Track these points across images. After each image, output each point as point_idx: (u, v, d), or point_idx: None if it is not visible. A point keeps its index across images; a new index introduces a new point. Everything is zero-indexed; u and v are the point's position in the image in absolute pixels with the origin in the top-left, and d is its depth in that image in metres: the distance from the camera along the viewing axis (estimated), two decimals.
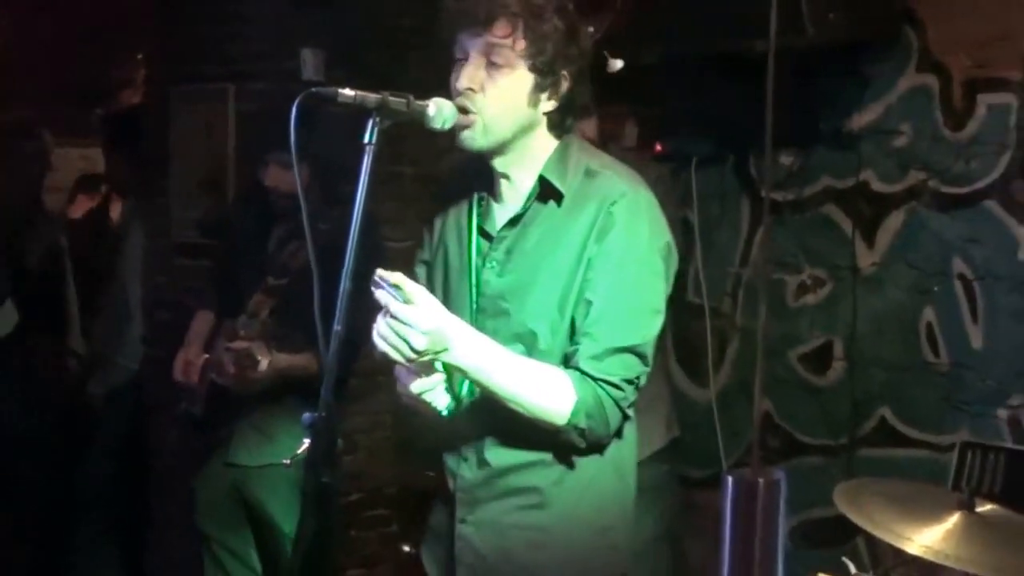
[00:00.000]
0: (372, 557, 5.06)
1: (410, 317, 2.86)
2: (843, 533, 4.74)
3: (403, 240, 4.91)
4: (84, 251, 6.04)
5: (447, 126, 3.00)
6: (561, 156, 3.17)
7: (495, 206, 3.24)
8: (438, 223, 3.36)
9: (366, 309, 2.89)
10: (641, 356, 3.09)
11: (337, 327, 2.83)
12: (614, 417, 3.08)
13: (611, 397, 3.05)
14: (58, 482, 5.84)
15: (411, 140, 3.31)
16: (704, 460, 5.50)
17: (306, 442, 2.81)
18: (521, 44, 3.03)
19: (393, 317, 2.86)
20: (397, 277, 2.89)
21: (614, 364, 3.05)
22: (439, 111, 2.97)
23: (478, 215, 3.24)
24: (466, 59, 3.06)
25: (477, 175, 3.25)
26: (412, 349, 2.87)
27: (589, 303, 3.07)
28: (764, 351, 5.47)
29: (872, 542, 4.75)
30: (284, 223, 4.67)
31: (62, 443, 5.83)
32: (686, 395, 5.79)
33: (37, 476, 5.76)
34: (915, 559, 3.80)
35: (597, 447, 3.14)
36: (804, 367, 5.57)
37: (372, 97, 2.88)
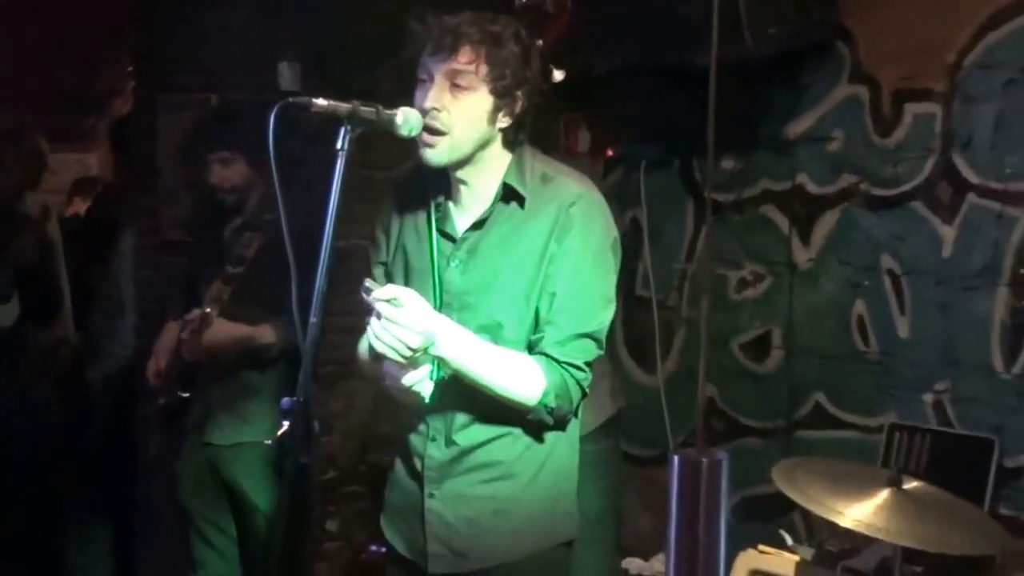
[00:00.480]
0: (348, 531, 5.06)
1: (404, 320, 2.92)
2: (781, 508, 4.76)
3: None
4: (80, 248, 6.03)
5: (414, 133, 3.05)
6: (519, 164, 3.23)
7: (453, 210, 3.28)
8: (394, 228, 3.39)
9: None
10: (598, 341, 3.20)
11: (313, 319, 2.86)
12: (577, 395, 3.18)
13: (574, 378, 3.15)
14: (57, 460, 5.84)
15: (380, 146, 3.31)
16: (653, 441, 5.50)
17: (285, 424, 2.83)
18: (483, 69, 3.08)
19: (389, 320, 2.92)
20: (388, 292, 2.95)
21: (576, 348, 3.15)
22: (406, 119, 3.02)
23: (436, 219, 3.28)
24: (430, 80, 3.10)
25: (433, 181, 3.28)
26: (408, 347, 2.94)
27: (552, 295, 3.15)
28: (707, 340, 5.47)
29: (807, 516, 4.77)
30: (235, 217, 4.71)
31: (61, 423, 5.83)
32: (636, 382, 5.80)
33: (38, 454, 5.76)
34: (847, 532, 3.83)
35: (562, 424, 3.22)
36: (745, 355, 5.59)
37: (343, 106, 2.91)
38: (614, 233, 3.26)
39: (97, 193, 6.34)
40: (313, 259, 2.87)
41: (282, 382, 4.61)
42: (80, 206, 6.79)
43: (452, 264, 3.23)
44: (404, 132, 3.02)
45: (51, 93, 6.75)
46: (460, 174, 3.22)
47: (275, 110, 2.85)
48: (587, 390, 3.22)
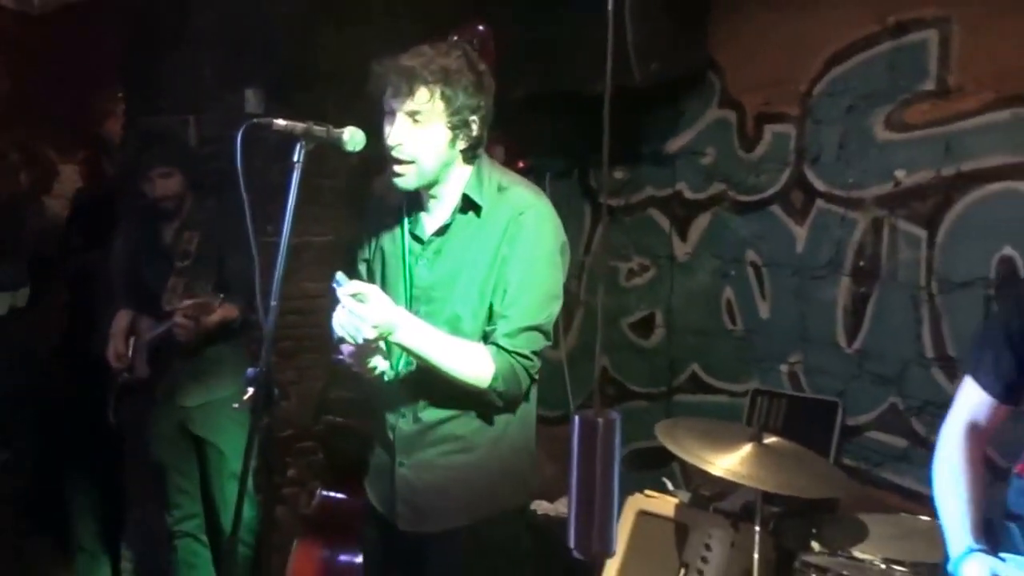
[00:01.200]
0: (302, 478, 5.04)
1: (364, 313, 2.87)
2: (663, 459, 4.79)
3: (323, 235, 4.92)
4: (80, 243, 5.97)
5: (358, 149, 2.99)
6: (478, 176, 3.13)
7: (423, 216, 3.19)
8: (376, 231, 3.30)
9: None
10: (544, 333, 3.12)
11: (273, 303, 2.85)
12: (524, 381, 3.10)
13: (522, 365, 3.07)
14: (58, 417, 5.78)
15: (330, 159, 3.28)
16: (557, 404, 5.51)
17: (250, 391, 2.81)
18: (439, 106, 2.98)
19: (351, 312, 2.89)
20: (355, 287, 2.90)
21: (524, 340, 3.06)
22: (352, 137, 2.97)
23: (409, 223, 3.20)
24: (393, 115, 3.01)
25: (405, 195, 3.19)
26: (363, 336, 2.89)
27: (504, 291, 3.05)
28: (602, 320, 5.52)
29: (685, 466, 4.81)
30: (173, 220, 4.70)
31: (64, 387, 5.77)
32: (543, 355, 5.79)
33: (45, 415, 5.69)
34: (717, 479, 3.86)
35: (512, 406, 3.15)
36: (633, 333, 5.62)
37: (299, 126, 2.90)
38: (562, 238, 3.17)
39: (92, 196, 6.23)
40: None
41: (240, 351, 4.62)
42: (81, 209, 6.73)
43: (420, 263, 3.16)
44: (350, 148, 2.98)
45: (59, 117, 6.70)
46: (428, 187, 3.14)
47: (242, 129, 2.84)
48: (535, 376, 3.15)
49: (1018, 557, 2.55)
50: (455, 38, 3.70)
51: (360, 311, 2.88)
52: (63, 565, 5.82)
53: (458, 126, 3.03)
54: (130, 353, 4.70)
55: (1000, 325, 2.78)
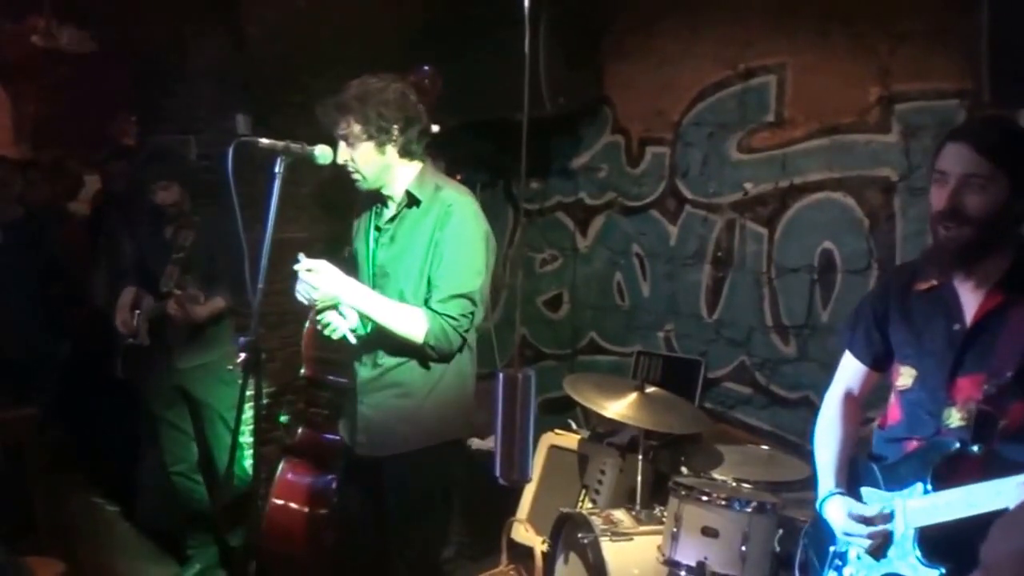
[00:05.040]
0: (284, 424, 4.95)
1: (313, 282, 3.00)
2: (569, 405, 4.77)
3: (299, 232, 4.81)
4: (99, 235, 5.84)
5: (327, 162, 2.98)
6: (420, 177, 3.15)
7: (384, 210, 3.21)
8: (356, 225, 3.32)
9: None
10: (471, 299, 3.08)
11: (260, 285, 2.79)
12: (455, 339, 3.08)
13: (451, 326, 3.05)
14: (85, 371, 5.62)
15: (304, 170, 3.23)
16: (487, 363, 5.46)
17: (242, 355, 2.74)
18: (356, 128, 3.04)
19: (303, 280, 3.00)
20: (308, 263, 3.00)
21: (452, 305, 3.05)
22: (323, 153, 2.96)
23: (376, 217, 3.23)
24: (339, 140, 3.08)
25: (375, 194, 3.21)
26: (311, 298, 3.01)
27: (438, 267, 3.06)
28: (521, 298, 5.49)
29: (585, 411, 4.79)
30: (173, 221, 4.53)
31: (87, 344, 5.61)
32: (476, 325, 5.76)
33: (82, 364, 5.52)
34: (610, 420, 3.85)
35: (447, 358, 3.13)
36: (545, 308, 5.59)
37: (279, 144, 2.85)
38: (484, 227, 3.15)
39: (104, 199, 6.09)
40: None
41: (226, 323, 4.47)
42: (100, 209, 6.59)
43: (380, 247, 3.17)
44: (321, 161, 2.95)
45: (83, 135, 6.55)
46: (381, 188, 3.16)
47: (232, 146, 2.77)
48: (464, 336, 3.12)
49: (873, 489, 2.50)
50: (411, 78, 3.66)
51: (310, 279, 2.98)
52: (91, 492, 5.67)
53: (377, 134, 3.05)
54: (135, 323, 4.54)
55: (869, 307, 2.66)
